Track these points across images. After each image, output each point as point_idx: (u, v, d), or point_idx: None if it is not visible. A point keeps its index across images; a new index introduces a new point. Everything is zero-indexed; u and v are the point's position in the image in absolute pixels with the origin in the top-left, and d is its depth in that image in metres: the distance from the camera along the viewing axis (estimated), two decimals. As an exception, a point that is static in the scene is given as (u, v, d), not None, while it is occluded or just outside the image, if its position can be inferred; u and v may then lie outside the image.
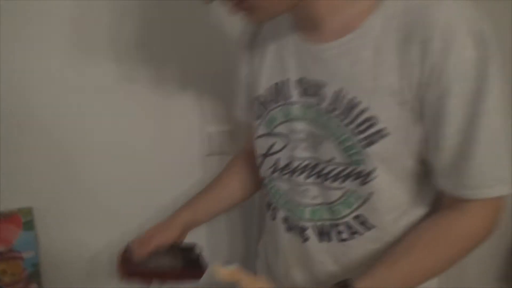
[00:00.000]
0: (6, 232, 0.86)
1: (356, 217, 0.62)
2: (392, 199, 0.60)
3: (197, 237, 0.80)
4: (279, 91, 0.66)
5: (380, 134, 0.56)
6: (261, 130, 0.69)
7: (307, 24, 0.61)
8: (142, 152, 0.97)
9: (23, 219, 0.87)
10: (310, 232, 0.67)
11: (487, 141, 0.52)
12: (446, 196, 0.59)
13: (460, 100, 0.51)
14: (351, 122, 0.57)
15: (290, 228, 0.70)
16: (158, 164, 0.99)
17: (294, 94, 0.64)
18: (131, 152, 0.96)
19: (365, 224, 0.62)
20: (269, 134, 0.68)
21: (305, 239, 0.67)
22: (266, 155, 0.70)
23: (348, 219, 0.62)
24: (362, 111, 0.56)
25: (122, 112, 0.93)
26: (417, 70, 0.52)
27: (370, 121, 0.56)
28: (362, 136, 0.56)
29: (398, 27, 0.52)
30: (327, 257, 0.66)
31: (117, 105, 0.92)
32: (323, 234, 0.66)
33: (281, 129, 0.66)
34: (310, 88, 0.62)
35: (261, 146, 0.70)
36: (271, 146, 0.68)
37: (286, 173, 0.67)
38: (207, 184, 0.84)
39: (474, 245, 0.59)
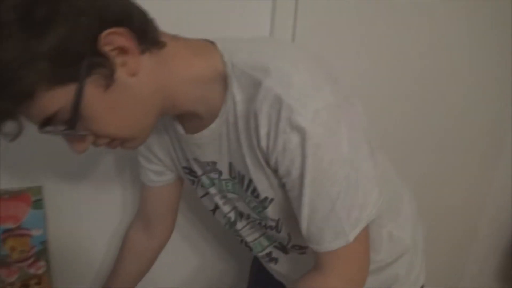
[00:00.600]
0: (15, 209, 0.87)
1: (293, 246, 0.71)
2: (295, 242, 0.69)
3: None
4: (191, 169, 0.72)
5: (266, 201, 0.62)
6: (200, 192, 0.75)
7: (185, 121, 0.65)
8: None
9: (33, 198, 0.87)
10: (275, 253, 0.76)
11: (327, 206, 0.55)
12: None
13: (294, 180, 0.54)
14: (246, 189, 0.63)
15: (249, 251, 0.79)
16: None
17: (198, 171, 0.70)
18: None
19: (301, 249, 0.71)
20: (207, 194, 0.73)
21: (276, 261, 0.77)
22: (215, 209, 0.76)
23: (288, 246, 0.71)
24: (249, 183, 0.62)
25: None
26: (263, 151, 0.55)
27: (256, 191, 0.62)
28: (258, 200, 0.63)
29: (244, 111, 0.55)
30: (294, 264, 0.75)
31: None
32: (282, 250, 0.74)
33: (214, 190, 0.72)
34: (206, 167, 0.67)
35: (206, 203, 0.76)
36: (216, 203, 0.73)
37: (233, 220, 0.74)
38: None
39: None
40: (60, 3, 0.45)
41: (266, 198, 0.62)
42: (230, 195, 0.69)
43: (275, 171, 0.57)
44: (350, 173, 0.54)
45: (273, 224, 0.66)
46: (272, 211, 0.63)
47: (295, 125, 0.50)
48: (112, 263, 0.92)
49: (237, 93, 0.55)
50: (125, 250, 0.89)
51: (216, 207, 0.75)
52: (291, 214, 0.60)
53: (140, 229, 0.88)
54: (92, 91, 0.49)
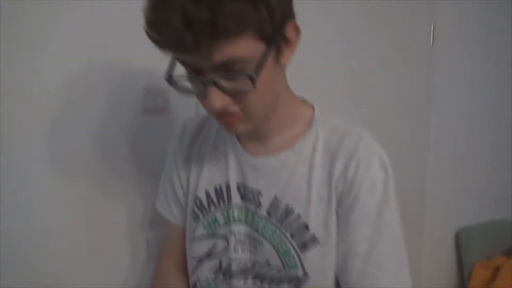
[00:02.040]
0: None
1: None
2: None
3: None
4: (219, 195, 0.69)
5: (312, 241, 0.61)
6: (199, 232, 0.70)
7: (254, 137, 0.66)
8: (79, 261, 0.91)
9: None
10: None
11: (392, 248, 0.60)
12: None
13: (367, 209, 0.60)
14: (287, 228, 0.62)
15: None
16: (96, 274, 0.93)
17: (235, 197, 0.67)
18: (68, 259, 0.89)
19: None
20: (210, 236, 0.69)
21: None
22: (207, 256, 0.69)
23: None
24: (297, 218, 0.62)
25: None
26: (340, 182, 0.61)
27: (303, 227, 0.62)
28: (297, 241, 0.62)
29: (324, 148, 0.63)
30: None
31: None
32: None
33: (222, 231, 0.68)
34: (249, 194, 0.66)
35: (199, 247, 0.70)
36: (213, 248, 0.69)
37: (227, 276, 0.68)
38: None
39: None
40: None
41: (313, 236, 0.61)
42: (255, 236, 0.65)
43: (340, 205, 0.61)
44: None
45: (298, 274, 0.62)
46: (311, 255, 0.61)
47: (383, 165, 0.61)
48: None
49: (321, 131, 0.64)
50: None
51: (210, 253, 0.69)
52: (323, 275, 0.62)
53: (171, 268, 0.81)
54: (271, 58, 0.54)
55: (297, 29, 0.57)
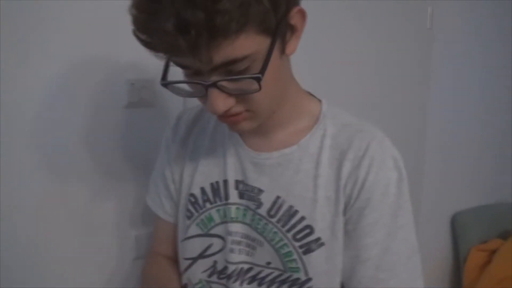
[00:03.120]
0: None
1: None
2: None
3: None
4: (215, 192, 0.64)
5: (316, 243, 0.57)
6: (193, 231, 0.65)
7: (254, 132, 0.60)
8: (65, 258, 0.88)
9: None
10: None
11: (406, 253, 0.57)
12: None
13: (380, 212, 0.56)
14: (290, 229, 0.58)
15: None
16: (84, 270, 0.90)
17: (233, 195, 0.63)
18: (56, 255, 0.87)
19: None
20: (204, 235, 0.64)
21: None
22: (201, 256, 0.65)
23: None
24: (300, 219, 0.58)
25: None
26: (350, 182, 0.56)
27: (307, 229, 0.57)
28: (300, 243, 0.58)
29: (332, 145, 0.59)
30: None
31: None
32: None
33: (217, 230, 0.64)
34: (249, 192, 0.61)
35: (192, 247, 0.66)
36: (208, 248, 0.64)
37: (222, 278, 0.64)
38: None
39: None
40: None
41: (318, 239, 0.57)
42: (255, 236, 0.61)
43: (348, 207, 0.57)
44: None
45: (300, 277, 0.58)
46: (315, 258, 0.57)
47: (397, 165, 0.57)
48: None
49: (330, 127, 0.60)
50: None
51: (204, 253, 0.64)
52: (327, 279, 0.58)
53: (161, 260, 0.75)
54: (276, 51, 0.49)
55: (302, 13, 0.51)
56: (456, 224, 1.56)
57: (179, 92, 0.52)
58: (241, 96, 0.50)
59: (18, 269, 0.84)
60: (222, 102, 0.49)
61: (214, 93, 0.48)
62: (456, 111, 1.49)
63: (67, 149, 0.85)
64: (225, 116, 0.52)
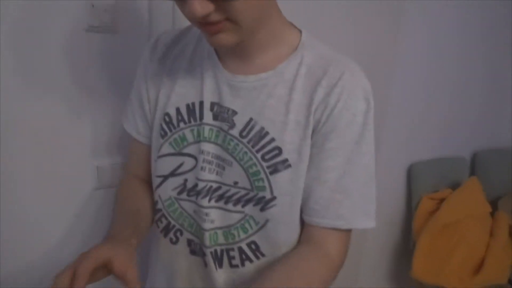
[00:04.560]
0: None
1: (250, 243, 0.65)
2: (283, 233, 0.64)
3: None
4: (190, 112, 0.65)
5: (283, 164, 0.60)
6: (165, 149, 0.67)
7: (235, 54, 0.62)
8: (28, 187, 0.87)
9: None
10: (209, 259, 0.67)
11: (363, 178, 0.61)
12: (308, 231, 0.63)
13: (344, 139, 0.59)
14: (259, 150, 0.61)
15: (193, 252, 0.70)
16: (44, 197, 0.90)
17: (207, 116, 0.64)
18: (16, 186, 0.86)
19: (257, 251, 0.65)
20: (176, 154, 0.66)
21: (205, 265, 0.68)
22: (172, 174, 0.67)
23: (242, 244, 0.65)
24: (270, 141, 0.60)
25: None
26: (320, 108, 0.59)
27: (276, 151, 0.60)
28: (267, 163, 0.61)
29: (307, 73, 0.61)
30: (222, 283, 0.68)
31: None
32: (217, 260, 0.67)
33: (190, 149, 0.66)
34: (223, 114, 0.63)
35: (164, 165, 0.67)
36: (179, 166, 0.66)
37: (192, 195, 0.66)
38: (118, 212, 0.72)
39: (334, 275, 0.63)
40: None
41: (286, 160, 0.60)
42: (225, 156, 0.63)
43: (316, 131, 0.60)
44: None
45: (266, 196, 0.61)
46: (281, 178, 0.61)
47: (366, 96, 0.60)
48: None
49: (307, 56, 0.62)
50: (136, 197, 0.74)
51: (175, 171, 0.67)
52: (291, 199, 0.62)
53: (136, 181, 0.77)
54: None
55: None
56: (411, 174, 1.65)
57: None
58: (221, 2, 0.49)
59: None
60: (200, 6, 0.48)
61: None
62: (421, 66, 1.52)
63: (26, 74, 0.82)
64: (205, 24, 0.52)
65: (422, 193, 1.63)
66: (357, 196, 0.61)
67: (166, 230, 0.71)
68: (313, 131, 0.60)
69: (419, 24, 1.44)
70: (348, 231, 0.63)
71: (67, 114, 0.89)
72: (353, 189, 0.60)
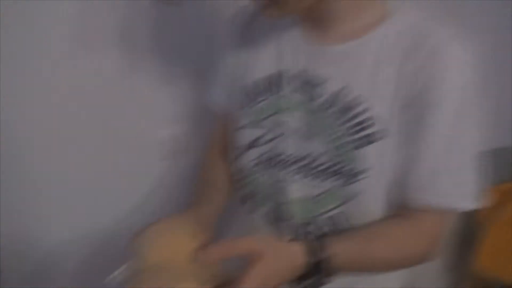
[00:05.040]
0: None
1: (329, 218, 0.62)
2: (368, 208, 0.60)
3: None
4: (272, 83, 0.65)
5: (373, 137, 0.57)
6: (245, 120, 0.67)
7: (316, 24, 0.61)
8: (93, 156, 0.88)
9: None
10: (286, 232, 0.65)
11: (465, 156, 0.56)
12: (402, 209, 0.59)
13: (443, 115, 0.54)
14: (348, 121, 0.58)
15: (270, 223, 0.68)
16: (110, 168, 0.90)
17: (288, 87, 0.63)
18: (83, 155, 0.88)
19: (335, 227, 0.62)
20: (255, 125, 0.66)
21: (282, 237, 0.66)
22: (250, 146, 0.66)
23: (322, 218, 0.62)
24: (362, 112, 0.57)
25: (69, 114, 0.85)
26: (412, 81, 0.55)
27: (367, 122, 0.57)
28: (357, 136, 0.57)
29: (397, 43, 0.57)
30: None
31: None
32: (295, 233, 0.65)
33: (269, 121, 0.65)
34: (307, 84, 0.62)
35: (244, 136, 0.67)
36: (258, 138, 0.66)
37: (272, 166, 0.65)
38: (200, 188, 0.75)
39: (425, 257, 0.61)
40: None
41: (376, 132, 0.57)
42: (307, 127, 0.62)
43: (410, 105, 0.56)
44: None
45: (353, 169, 0.58)
46: (369, 151, 0.57)
47: (464, 67, 0.55)
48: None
49: (396, 25, 0.58)
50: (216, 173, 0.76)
51: (253, 143, 0.66)
52: (381, 173, 0.57)
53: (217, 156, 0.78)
54: None
55: None
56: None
57: None
58: None
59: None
60: None
61: None
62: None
63: (98, 45, 0.83)
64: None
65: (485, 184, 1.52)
66: (458, 175, 0.56)
67: (244, 200, 0.71)
68: (407, 105, 0.56)
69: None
70: (445, 212, 0.58)
71: (133, 85, 0.89)
72: (453, 168, 0.56)
